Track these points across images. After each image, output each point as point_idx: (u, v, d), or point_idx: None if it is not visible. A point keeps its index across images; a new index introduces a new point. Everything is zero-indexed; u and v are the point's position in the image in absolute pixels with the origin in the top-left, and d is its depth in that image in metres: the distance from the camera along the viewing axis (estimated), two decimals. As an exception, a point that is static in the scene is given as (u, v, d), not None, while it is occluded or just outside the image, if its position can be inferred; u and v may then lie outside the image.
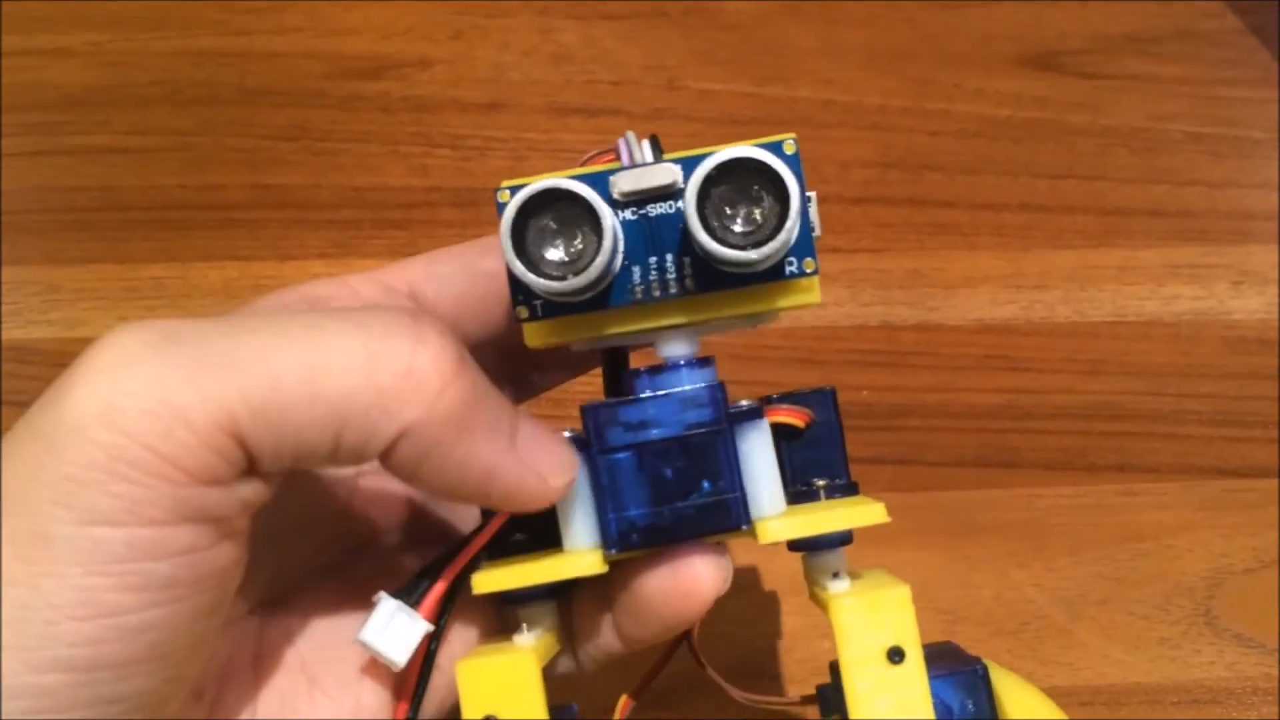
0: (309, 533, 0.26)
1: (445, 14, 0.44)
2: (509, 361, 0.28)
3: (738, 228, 0.22)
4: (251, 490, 0.21)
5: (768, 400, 0.26)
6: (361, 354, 0.20)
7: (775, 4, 0.45)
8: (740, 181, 0.22)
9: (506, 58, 0.44)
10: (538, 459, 0.22)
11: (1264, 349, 0.41)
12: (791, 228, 0.21)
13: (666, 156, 0.23)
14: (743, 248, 0.21)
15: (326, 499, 0.27)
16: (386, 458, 0.21)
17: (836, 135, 0.43)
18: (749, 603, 0.37)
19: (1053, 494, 0.39)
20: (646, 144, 0.23)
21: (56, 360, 0.39)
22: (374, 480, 0.27)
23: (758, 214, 0.22)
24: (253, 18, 0.44)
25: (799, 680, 0.36)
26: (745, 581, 0.37)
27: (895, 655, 0.23)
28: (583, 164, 0.24)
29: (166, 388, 0.19)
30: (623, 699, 0.26)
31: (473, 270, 0.26)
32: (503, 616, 0.26)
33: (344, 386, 0.20)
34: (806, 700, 0.26)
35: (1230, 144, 0.44)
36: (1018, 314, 0.41)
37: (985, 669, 0.24)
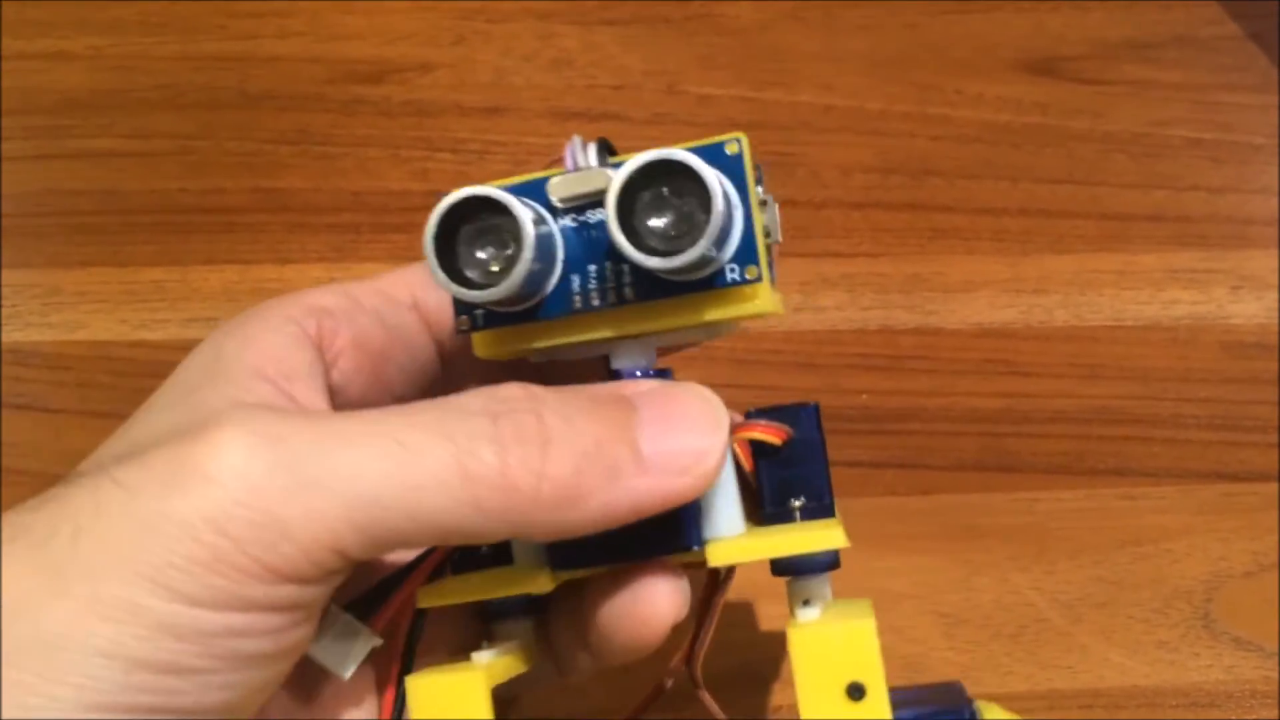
0: None
1: (447, 19, 0.44)
2: (510, 373, 0.28)
3: (659, 230, 0.21)
4: (338, 580, 0.21)
5: (747, 415, 0.25)
6: (453, 469, 0.20)
7: (776, 9, 0.45)
8: (667, 185, 0.21)
9: (508, 62, 0.44)
10: (670, 459, 0.21)
11: (1263, 354, 0.41)
12: (713, 232, 0.20)
13: (621, 158, 0.22)
14: (661, 254, 0.20)
15: None
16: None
17: (837, 140, 0.43)
18: (749, 610, 0.37)
19: (1052, 497, 0.39)
20: (593, 147, 0.23)
21: (57, 362, 0.39)
22: None
23: (687, 219, 0.21)
24: (254, 22, 0.44)
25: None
26: (745, 589, 0.37)
27: (855, 692, 0.22)
28: (547, 166, 0.23)
29: (273, 501, 0.20)
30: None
31: None
32: (483, 631, 0.26)
33: (441, 505, 0.20)
34: None
35: (1229, 149, 0.44)
36: (1017, 318, 0.41)
37: (973, 714, 0.23)
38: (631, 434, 0.21)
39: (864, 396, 0.40)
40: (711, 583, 0.26)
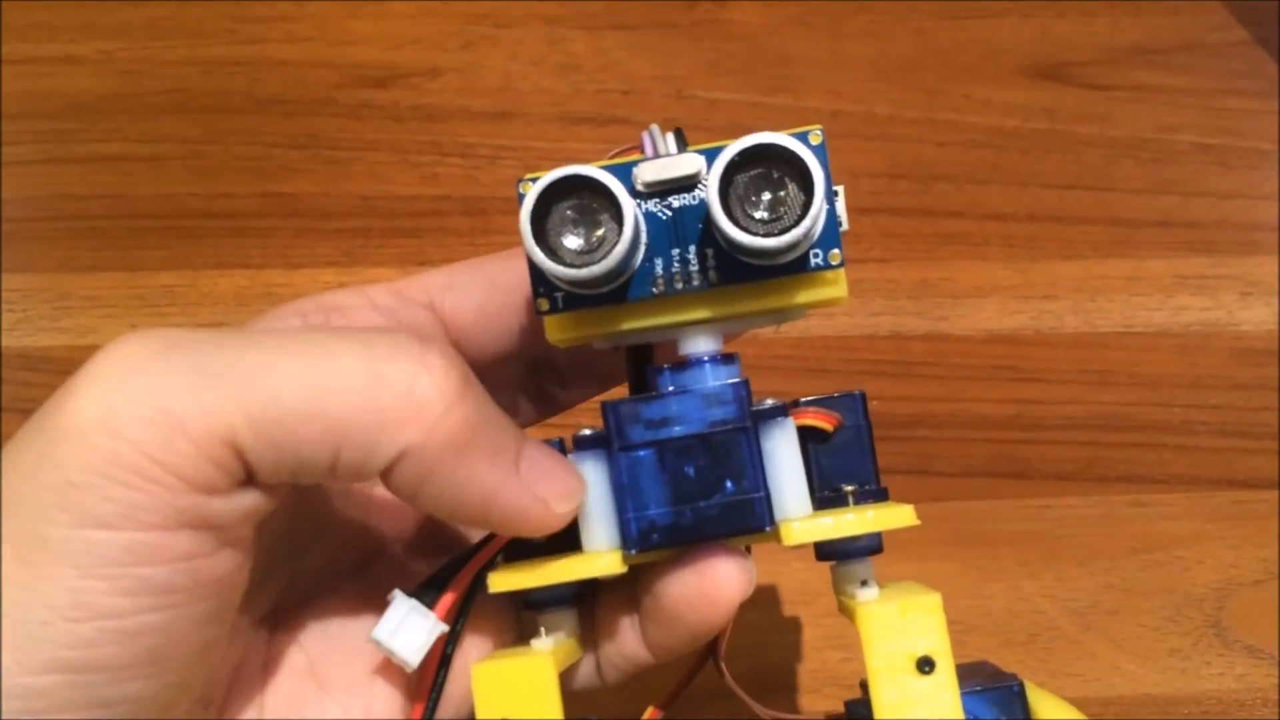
0: (324, 542, 0.26)
1: (455, 24, 0.44)
2: (533, 377, 0.28)
3: (760, 215, 0.22)
4: (252, 501, 0.21)
5: (795, 403, 0.25)
6: (364, 374, 0.20)
7: (784, 15, 0.45)
8: (764, 168, 0.21)
9: (516, 67, 0.44)
10: (542, 484, 0.22)
11: (1272, 360, 0.41)
12: (816, 215, 0.21)
13: (689, 149, 0.23)
14: (765, 235, 0.21)
15: (343, 508, 0.27)
16: (387, 477, 0.21)
17: (845, 146, 0.43)
18: (762, 614, 0.37)
19: (1063, 504, 0.39)
20: (671, 136, 0.23)
21: (66, 368, 0.39)
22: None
23: (781, 202, 0.22)
24: (263, 26, 0.44)
25: (811, 691, 0.36)
26: (758, 593, 0.37)
27: (925, 665, 0.22)
28: (612, 158, 0.23)
29: (167, 396, 0.19)
30: (649, 711, 0.26)
31: (492, 282, 0.26)
32: (522, 623, 0.26)
33: (345, 406, 0.20)
34: (834, 718, 0.26)
35: (1237, 155, 0.44)
36: (1026, 324, 0.41)
37: (1021, 686, 0.24)
38: (520, 452, 0.22)
39: (873, 403, 0.40)
40: None
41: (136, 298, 0.40)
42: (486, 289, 0.26)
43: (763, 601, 0.37)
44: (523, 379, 0.28)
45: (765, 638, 0.37)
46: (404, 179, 0.42)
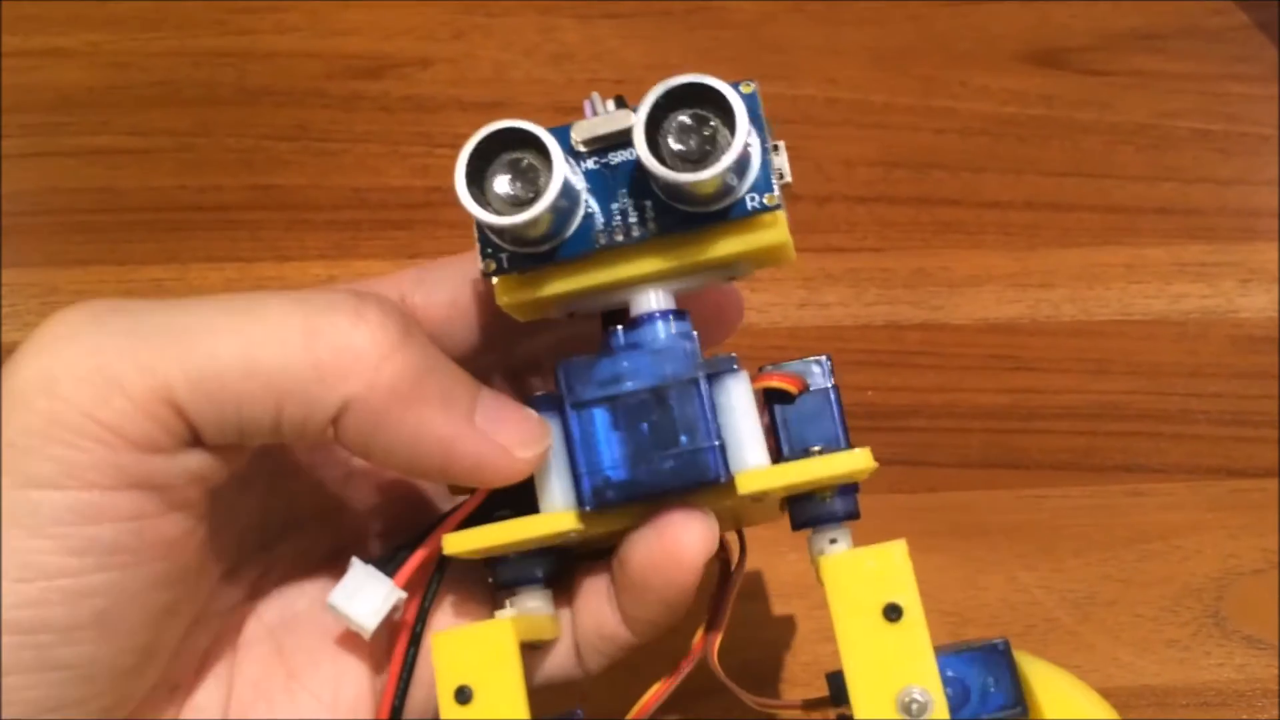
0: (298, 533, 0.26)
1: (446, 13, 0.44)
2: (516, 378, 0.28)
3: (684, 149, 0.22)
4: (198, 462, 0.21)
5: (760, 369, 0.25)
6: (299, 329, 0.21)
7: (779, 2, 0.45)
8: (692, 110, 0.22)
9: (508, 57, 0.44)
10: (502, 431, 0.22)
11: (1271, 348, 0.40)
12: (739, 147, 0.21)
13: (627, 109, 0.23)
14: (690, 170, 0.21)
15: (318, 499, 0.27)
16: (337, 433, 0.21)
17: (841, 134, 0.43)
18: (753, 607, 0.37)
19: (1059, 494, 0.39)
20: (611, 102, 0.24)
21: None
22: (365, 479, 0.27)
23: (709, 141, 0.22)
24: (252, 17, 0.44)
25: (803, 684, 0.36)
26: (752, 586, 0.37)
27: (892, 612, 0.22)
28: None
29: (103, 357, 0.20)
30: (655, 687, 0.26)
31: (465, 276, 0.26)
32: (495, 607, 0.25)
33: (280, 361, 0.21)
34: (817, 702, 0.26)
35: (1237, 141, 0.43)
36: (1023, 313, 0.41)
37: (1007, 645, 0.23)
38: (474, 399, 0.22)
39: (869, 393, 0.40)
40: (724, 571, 0.27)
41: (125, 291, 0.40)
42: (459, 282, 0.26)
43: (756, 594, 0.37)
44: (503, 375, 0.28)
45: (758, 631, 0.36)
46: (395, 170, 0.42)
